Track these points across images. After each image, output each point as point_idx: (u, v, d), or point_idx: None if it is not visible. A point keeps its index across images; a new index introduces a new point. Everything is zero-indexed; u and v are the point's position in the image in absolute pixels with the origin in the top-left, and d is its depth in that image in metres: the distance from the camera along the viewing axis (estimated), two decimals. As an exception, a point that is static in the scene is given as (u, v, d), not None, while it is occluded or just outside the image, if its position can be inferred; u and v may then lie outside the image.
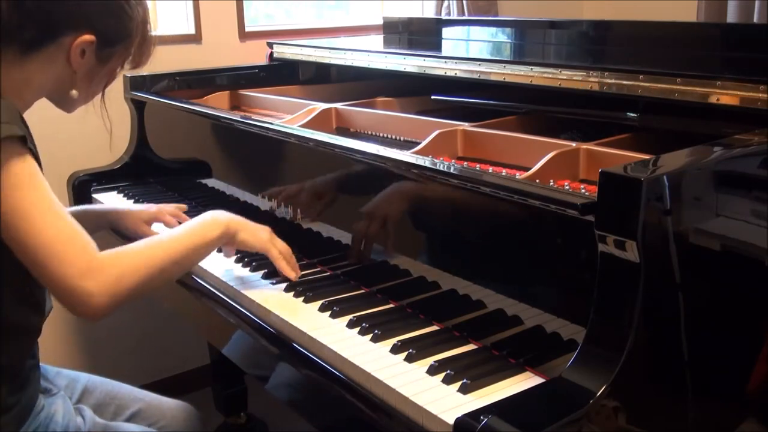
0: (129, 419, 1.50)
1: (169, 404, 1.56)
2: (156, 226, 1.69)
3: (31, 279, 1.14)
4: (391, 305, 1.30)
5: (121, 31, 1.26)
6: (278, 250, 1.39)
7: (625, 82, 1.40)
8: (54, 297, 1.15)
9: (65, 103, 1.32)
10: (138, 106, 2.18)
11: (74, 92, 1.28)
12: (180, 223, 1.64)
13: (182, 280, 1.51)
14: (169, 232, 1.28)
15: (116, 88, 2.21)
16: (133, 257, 1.18)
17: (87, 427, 1.36)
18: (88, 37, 1.21)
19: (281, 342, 1.26)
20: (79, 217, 1.57)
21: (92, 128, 2.34)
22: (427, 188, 1.27)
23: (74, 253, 1.10)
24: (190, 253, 1.27)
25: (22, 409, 1.25)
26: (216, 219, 1.34)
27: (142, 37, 1.30)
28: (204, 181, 1.94)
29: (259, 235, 1.38)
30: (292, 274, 1.38)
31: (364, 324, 1.22)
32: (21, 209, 1.09)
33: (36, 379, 1.30)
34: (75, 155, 2.30)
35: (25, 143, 1.12)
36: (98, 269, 1.11)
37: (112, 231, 1.72)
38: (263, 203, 1.69)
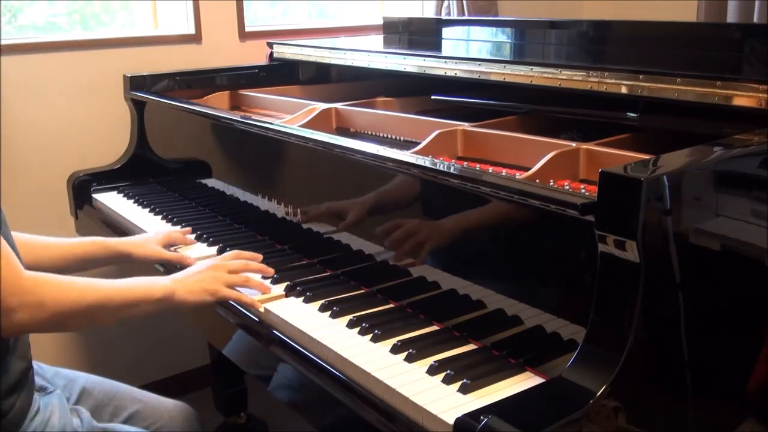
0: (127, 420, 1.50)
1: (167, 405, 1.56)
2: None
3: None
4: (391, 305, 1.30)
5: None
6: (231, 293, 1.33)
7: (625, 82, 1.40)
8: None
9: None
10: (138, 106, 2.18)
11: None
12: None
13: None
14: (112, 281, 1.24)
15: (116, 88, 2.23)
16: (61, 286, 1.17)
17: (84, 429, 1.36)
18: None
19: (281, 342, 1.26)
20: (89, 248, 1.53)
21: (92, 128, 2.36)
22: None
23: (2, 272, 1.10)
24: (123, 305, 1.23)
25: (17, 414, 1.25)
26: (161, 282, 1.29)
27: None
28: (204, 181, 1.94)
29: (207, 290, 1.31)
30: (258, 306, 1.32)
31: (364, 324, 1.22)
32: None
33: (29, 381, 1.30)
34: (75, 155, 2.30)
35: None
36: (23, 288, 1.12)
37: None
38: (263, 203, 1.69)
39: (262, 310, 1.32)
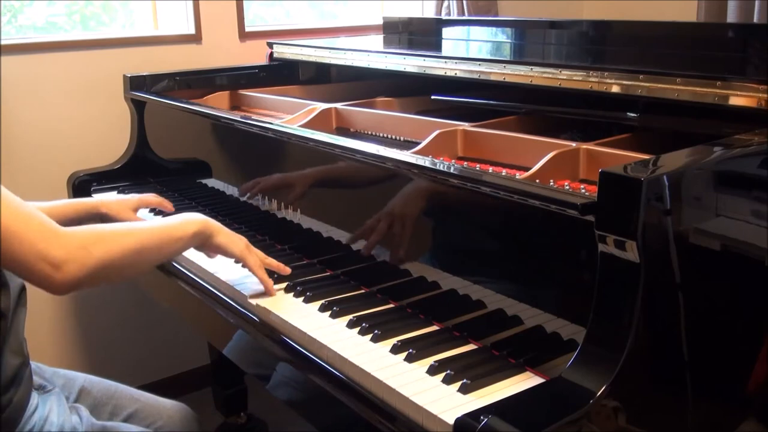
0: (126, 420, 1.50)
1: (165, 405, 1.56)
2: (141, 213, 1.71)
3: None
4: (391, 305, 1.30)
5: None
6: (255, 258, 1.37)
7: (625, 82, 1.40)
8: (21, 276, 1.13)
9: None
10: (138, 106, 2.18)
11: None
12: (162, 213, 1.68)
13: (183, 278, 1.51)
14: (145, 222, 1.26)
15: (116, 88, 2.23)
16: (100, 231, 1.17)
17: (84, 428, 1.36)
18: None
19: (281, 342, 1.26)
20: (64, 209, 1.58)
21: (92, 128, 2.36)
22: (435, 189, 1.26)
23: (34, 228, 1.09)
24: (162, 243, 1.26)
25: (14, 410, 1.25)
26: (194, 217, 1.33)
27: None
28: (204, 181, 1.94)
29: (237, 242, 1.36)
30: (270, 287, 1.36)
31: (364, 324, 1.22)
32: None
33: (27, 377, 1.30)
34: (75, 155, 2.30)
35: None
36: (63, 237, 1.11)
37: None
38: (263, 203, 1.69)
39: (253, 303, 1.33)
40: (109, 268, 1.17)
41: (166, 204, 1.74)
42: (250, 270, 1.37)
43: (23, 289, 1.30)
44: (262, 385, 1.35)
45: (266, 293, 1.36)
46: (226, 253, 1.37)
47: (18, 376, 1.26)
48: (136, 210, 1.69)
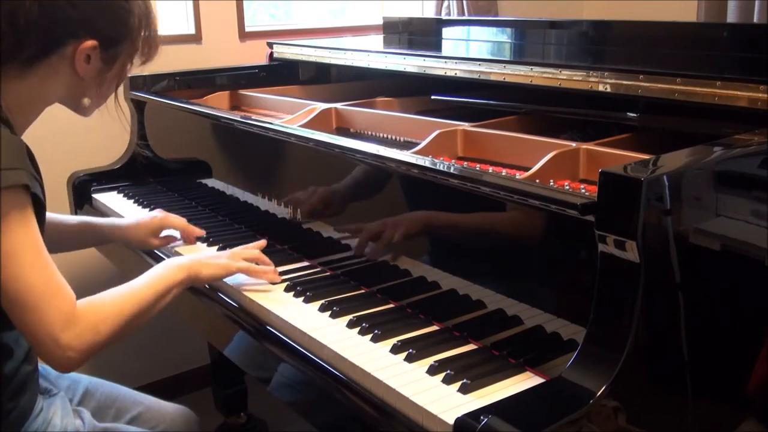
0: (129, 422, 1.50)
1: (168, 408, 1.57)
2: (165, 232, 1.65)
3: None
4: (391, 305, 1.30)
5: (122, 29, 1.22)
6: (247, 262, 1.40)
7: (625, 82, 1.40)
8: (29, 343, 1.15)
9: (79, 109, 1.30)
10: (138, 106, 2.18)
11: (86, 100, 1.27)
12: (180, 236, 1.65)
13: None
14: (137, 281, 1.27)
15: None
16: (107, 308, 1.18)
17: (86, 429, 1.36)
18: (90, 42, 1.18)
19: (281, 342, 1.26)
20: (79, 229, 1.60)
21: (92, 128, 2.36)
22: (435, 189, 1.27)
23: (56, 306, 1.10)
24: (158, 299, 1.27)
25: (20, 414, 1.26)
26: (178, 264, 1.33)
27: (147, 30, 1.26)
28: (204, 181, 1.94)
29: (222, 265, 1.38)
30: (275, 278, 1.40)
31: (364, 324, 1.22)
32: (10, 253, 1.07)
33: (34, 383, 1.31)
34: (75, 155, 2.30)
35: (28, 189, 1.10)
36: (75, 322, 1.12)
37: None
38: (263, 203, 1.69)
39: (254, 303, 1.34)
40: (110, 343, 1.19)
41: (190, 232, 1.64)
42: (250, 275, 1.40)
43: None
44: (263, 385, 1.35)
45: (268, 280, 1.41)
46: (219, 279, 1.40)
47: (27, 382, 1.27)
48: (157, 234, 1.63)
